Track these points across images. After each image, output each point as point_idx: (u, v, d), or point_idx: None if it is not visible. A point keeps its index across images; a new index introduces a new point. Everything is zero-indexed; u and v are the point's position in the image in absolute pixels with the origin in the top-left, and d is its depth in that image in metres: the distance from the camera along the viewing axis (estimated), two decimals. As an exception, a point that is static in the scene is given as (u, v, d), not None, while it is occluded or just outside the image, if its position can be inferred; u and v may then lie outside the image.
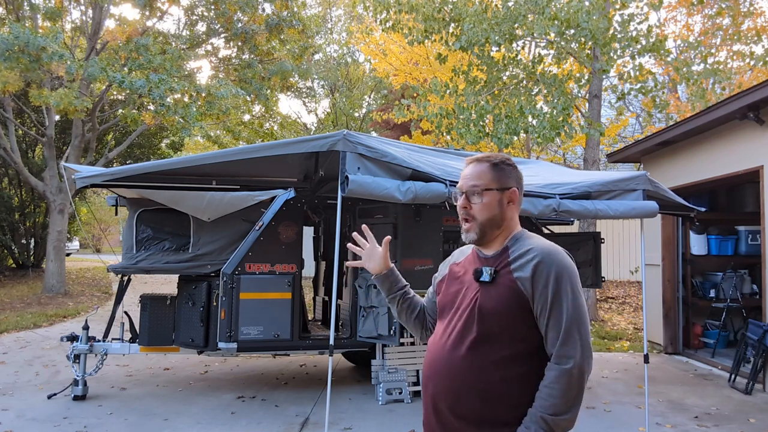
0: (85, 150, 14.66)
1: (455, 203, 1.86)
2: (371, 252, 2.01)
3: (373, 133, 20.37)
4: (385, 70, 16.64)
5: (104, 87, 13.70)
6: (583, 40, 9.41)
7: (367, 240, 2.02)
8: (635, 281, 14.31)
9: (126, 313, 5.80)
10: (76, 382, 5.49)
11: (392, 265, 2.02)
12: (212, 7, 14.39)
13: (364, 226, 2.01)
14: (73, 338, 5.55)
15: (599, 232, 6.85)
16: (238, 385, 6.18)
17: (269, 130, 18.74)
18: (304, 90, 23.10)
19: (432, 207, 5.46)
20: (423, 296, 2.09)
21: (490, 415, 1.65)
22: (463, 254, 1.96)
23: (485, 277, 1.72)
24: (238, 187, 5.66)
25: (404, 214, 5.53)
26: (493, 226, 1.78)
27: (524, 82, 10.57)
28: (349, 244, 1.97)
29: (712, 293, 7.93)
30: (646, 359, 4.98)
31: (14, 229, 17.51)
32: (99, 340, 5.66)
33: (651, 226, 8.24)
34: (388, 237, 2.02)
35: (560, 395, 1.58)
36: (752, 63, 13.23)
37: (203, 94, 12.52)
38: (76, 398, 5.44)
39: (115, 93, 15.53)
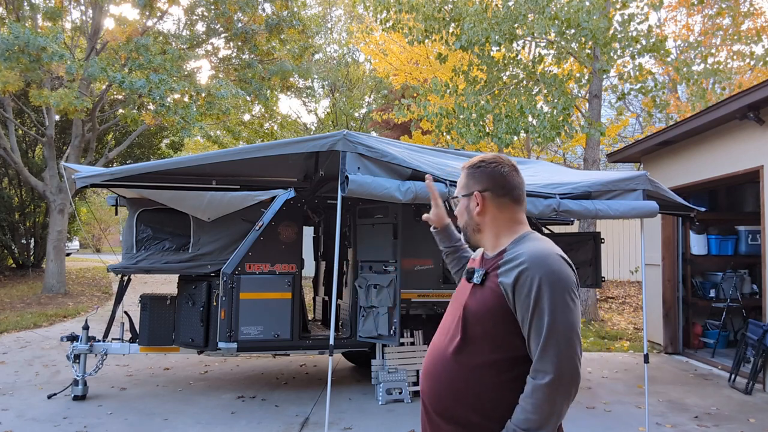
0: (85, 150, 14.66)
1: (454, 208, 1.92)
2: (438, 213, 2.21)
3: (373, 133, 20.37)
4: (385, 70, 16.64)
5: (104, 87, 13.70)
6: (583, 39, 9.40)
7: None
8: (635, 281, 14.31)
9: (126, 313, 5.80)
10: (76, 382, 5.49)
11: (448, 221, 2.23)
12: (212, 7, 14.39)
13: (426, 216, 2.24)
14: (73, 338, 5.55)
15: (599, 232, 6.85)
16: (238, 385, 6.18)
17: (269, 130, 18.74)
18: (304, 90, 23.09)
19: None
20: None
21: (464, 419, 1.63)
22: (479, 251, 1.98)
23: (476, 279, 1.70)
24: (238, 187, 5.66)
25: (404, 214, 5.53)
26: (473, 230, 1.81)
27: (524, 81, 10.57)
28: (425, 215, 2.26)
29: (712, 293, 7.93)
30: (646, 359, 4.98)
31: (14, 229, 17.51)
32: (99, 340, 5.66)
33: (651, 226, 8.24)
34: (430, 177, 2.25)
35: (533, 410, 1.52)
36: (752, 63, 13.23)
37: (203, 95, 12.52)
38: (76, 398, 5.44)
39: (115, 93, 15.53)
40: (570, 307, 1.56)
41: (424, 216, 2.25)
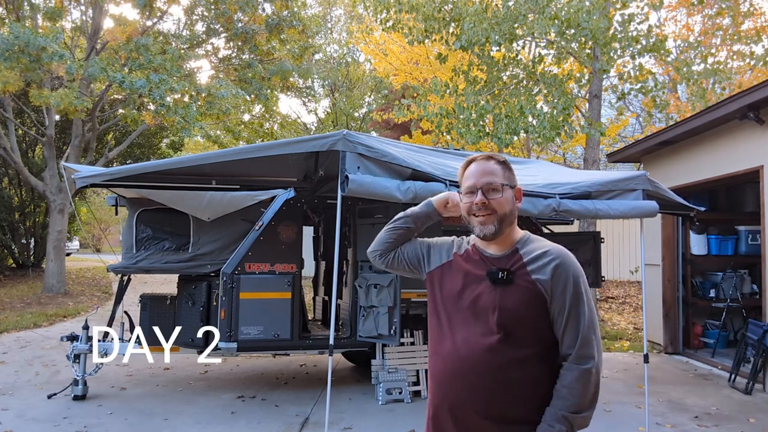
0: (85, 150, 14.66)
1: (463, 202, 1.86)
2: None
3: (373, 133, 20.37)
4: (385, 69, 16.63)
5: (104, 87, 13.70)
6: (583, 39, 9.39)
7: None
8: (635, 281, 14.31)
9: (126, 313, 5.80)
10: (76, 382, 5.50)
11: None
12: (212, 7, 14.38)
13: None
14: (73, 338, 5.56)
15: (599, 232, 6.84)
16: (238, 385, 6.18)
17: (269, 130, 18.75)
18: (304, 90, 23.09)
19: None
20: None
21: (514, 414, 1.69)
22: (461, 246, 1.91)
23: (502, 278, 1.74)
24: (238, 187, 5.66)
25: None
26: (508, 222, 1.79)
27: (524, 82, 10.56)
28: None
29: (712, 293, 7.93)
30: (646, 359, 4.98)
31: (14, 229, 17.51)
32: (99, 340, 5.66)
33: (651, 226, 8.23)
34: None
35: (581, 394, 1.67)
36: (752, 63, 13.23)
37: (203, 94, 12.52)
38: (76, 398, 5.45)
39: (115, 93, 15.53)
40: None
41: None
